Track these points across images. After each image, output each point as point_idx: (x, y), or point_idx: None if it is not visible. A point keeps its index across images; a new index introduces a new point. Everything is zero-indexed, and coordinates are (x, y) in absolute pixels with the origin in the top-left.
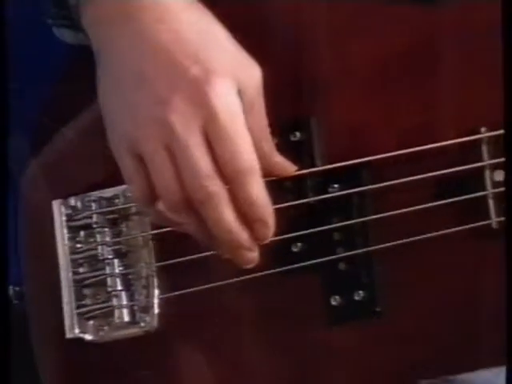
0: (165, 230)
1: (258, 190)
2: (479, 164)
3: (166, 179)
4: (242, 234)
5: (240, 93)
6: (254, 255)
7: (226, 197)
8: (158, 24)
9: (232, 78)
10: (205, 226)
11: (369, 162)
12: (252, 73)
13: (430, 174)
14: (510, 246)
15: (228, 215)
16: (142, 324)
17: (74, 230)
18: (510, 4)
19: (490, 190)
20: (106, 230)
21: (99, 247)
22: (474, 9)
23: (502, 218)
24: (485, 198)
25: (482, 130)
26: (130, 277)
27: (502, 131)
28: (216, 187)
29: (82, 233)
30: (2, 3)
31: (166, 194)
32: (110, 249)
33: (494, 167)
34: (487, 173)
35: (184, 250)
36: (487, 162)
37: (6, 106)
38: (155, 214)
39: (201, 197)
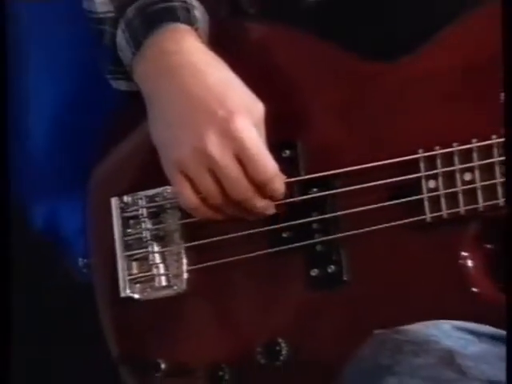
0: (189, 220)
1: (281, 188)
2: (417, 175)
3: (211, 191)
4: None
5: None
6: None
7: (256, 196)
8: (191, 78)
9: (247, 114)
10: (237, 213)
11: (339, 173)
12: (258, 108)
13: (383, 182)
14: (510, 246)
15: (260, 203)
16: (175, 287)
17: (125, 220)
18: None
19: (425, 194)
20: (149, 219)
21: (143, 232)
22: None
23: (435, 214)
24: (422, 200)
25: (420, 151)
26: (165, 253)
27: (434, 152)
28: (250, 193)
29: (131, 221)
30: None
31: (213, 200)
32: (151, 233)
33: (428, 178)
34: (423, 182)
35: (204, 234)
36: (423, 173)
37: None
38: (194, 210)
39: (241, 199)
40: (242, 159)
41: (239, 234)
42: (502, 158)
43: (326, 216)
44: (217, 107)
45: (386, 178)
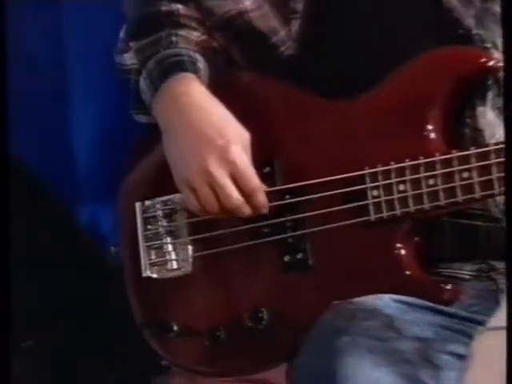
0: (194, 219)
1: (263, 198)
2: (363, 186)
3: (210, 201)
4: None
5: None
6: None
7: (244, 204)
8: (196, 114)
9: (238, 142)
10: (227, 215)
11: (306, 184)
12: (246, 136)
13: (338, 191)
14: (510, 248)
15: (246, 209)
16: (183, 269)
17: (146, 219)
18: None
19: (370, 201)
20: (163, 218)
21: (159, 228)
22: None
23: (377, 216)
24: (367, 205)
25: (366, 168)
26: (176, 244)
27: (376, 169)
28: (240, 201)
29: (150, 220)
30: (1, 4)
31: (211, 208)
32: (165, 229)
33: (372, 188)
34: (368, 191)
35: (205, 229)
36: (368, 185)
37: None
38: (199, 213)
39: (231, 208)
40: (235, 176)
41: (232, 229)
42: (430, 174)
43: (296, 216)
44: (216, 137)
45: (340, 188)
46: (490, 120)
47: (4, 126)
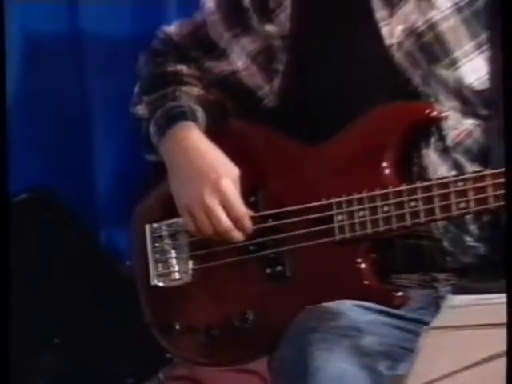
0: (192, 239)
1: (248, 222)
2: (330, 212)
3: (204, 225)
4: (238, 235)
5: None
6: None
7: (233, 227)
8: (194, 155)
9: (228, 176)
10: (219, 236)
11: (284, 211)
12: (235, 171)
13: (310, 216)
14: (510, 252)
15: (236, 234)
16: (184, 279)
17: (154, 238)
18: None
19: (335, 224)
20: (168, 238)
21: (165, 245)
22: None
23: (341, 236)
24: (333, 227)
25: (332, 197)
26: (178, 259)
27: (341, 199)
28: (228, 224)
29: (157, 239)
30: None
31: (205, 230)
32: (170, 246)
33: (337, 214)
34: (334, 216)
35: (202, 247)
36: (334, 211)
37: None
38: (196, 234)
39: (222, 230)
40: (225, 204)
41: (224, 247)
42: (384, 203)
43: (276, 236)
44: (210, 172)
45: (312, 214)
46: (432, 159)
47: (4, 166)
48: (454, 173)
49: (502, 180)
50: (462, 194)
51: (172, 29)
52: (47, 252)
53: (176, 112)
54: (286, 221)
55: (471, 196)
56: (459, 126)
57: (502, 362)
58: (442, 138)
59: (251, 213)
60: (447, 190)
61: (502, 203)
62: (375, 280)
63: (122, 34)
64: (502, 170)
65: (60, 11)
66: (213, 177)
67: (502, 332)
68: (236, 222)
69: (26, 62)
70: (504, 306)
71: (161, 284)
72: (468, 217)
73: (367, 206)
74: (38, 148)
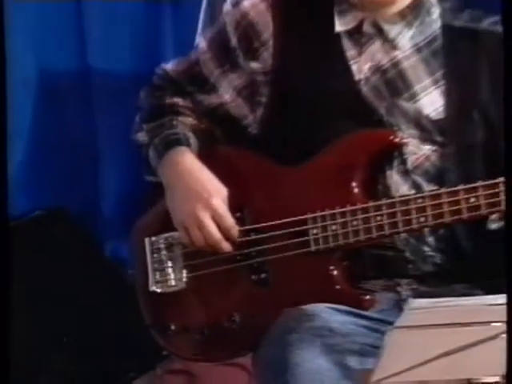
0: (186, 250)
1: (236, 234)
2: (306, 227)
3: (197, 237)
4: (227, 246)
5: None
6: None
7: (222, 239)
8: (188, 176)
9: (218, 195)
10: (210, 247)
11: (266, 225)
12: (223, 191)
13: (289, 230)
14: (510, 249)
15: (225, 245)
16: (178, 286)
17: (153, 250)
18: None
19: (311, 237)
20: (165, 249)
21: (162, 256)
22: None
23: (316, 247)
24: (309, 240)
25: (308, 213)
26: (174, 267)
27: (315, 214)
28: (218, 236)
29: (155, 251)
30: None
31: (198, 242)
32: (166, 257)
33: (312, 228)
34: (310, 230)
35: (195, 257)
36: (309, 226)
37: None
38: (190, 245)
39: (213, 242)
40: (215, 219)
41: (214, 258)
42: (353, 218)
43: (259, 248)
44: (202, 192)
45: (290, 228)
46: (395, 180)
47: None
48: (413, 191)
49: (457, 197)
50: (421, 209)
51: (169, 66)
52: (59, 261)
53: (172, 139)
54: (267, 234)
55: (429, 212)
56: (418, 151)
57: (457, 357)
58: (403, 162)
59: (238, 227)
60: (408, 207)
61: (456, 217)
62: (346, 285)
63: (126, 71)
64: (457, 188)
65: (70, 49)
66: (205, 195)
67: (456, 331)
68: (225, 234)
69: (39, 95)
70: (457, 308)
71: (158, 290)
72: (426, 230)
73: (339, 220)
74: (52, 171)
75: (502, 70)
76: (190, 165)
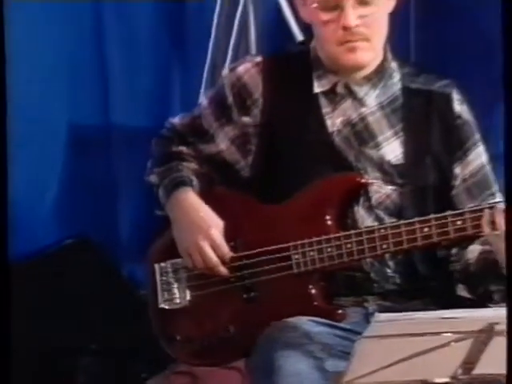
0: (190, 273)
1: (230, 259)
2: (289, 253)
3: (199, 262)
4: (223, 269)
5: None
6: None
7: (219, 264)
8: (190, 211)
9: (216, 227)
10: (209, 270)
11: (255, 253)
12: (220, 223)
13: (275, 256)
14: (510, 252)
15: (221, 268)
16: (183, 303)
17: (162, 273)
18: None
19: (293, 262)
20: (172, 273)
21: (170, 279)
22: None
23: (298, 270)
24: (292, 264)
25: (290, 242)
26: (179, 288)
27: (297, 243)
28: (216, 261)
29: (164, 274)
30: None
31: (199, 266)
32: (173, 279)
33: (294, 254)
34: (292, 256)
35: (197, 279)
36: (292, 252)
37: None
38: (193, 269)
39: (211, 266)
40: (213, 247)
41: (212, 279)
42: (328, 245)
43: (250, 271)
44: (202, 224)
45: (276, 254)
46: (361, 214)
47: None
48: (376, 223)
49: (413, 227)
50: (384, 238)
51: (176, 120)
52: (84, 282)
53: (178, 180)
54: (256, 259)
55: (390, 240)
56: (381, 190)
57: (414, 361)
58: (368, 199)
59: (232, 254)
60: (373, 236)
61: (412, 245)
62: (322, 301)
63: (140, 124)
64: (413, 220)
65: (95, 107)
66: (204, 227)
67: (414, 340)
68: (221, 259)
69: (69, 144)
70: (415, 321)
71: (166, 307)
72: (388, 255)
73: (316, 248)
74: (79, 207)
75: (450, 125)
76: (192, 202)
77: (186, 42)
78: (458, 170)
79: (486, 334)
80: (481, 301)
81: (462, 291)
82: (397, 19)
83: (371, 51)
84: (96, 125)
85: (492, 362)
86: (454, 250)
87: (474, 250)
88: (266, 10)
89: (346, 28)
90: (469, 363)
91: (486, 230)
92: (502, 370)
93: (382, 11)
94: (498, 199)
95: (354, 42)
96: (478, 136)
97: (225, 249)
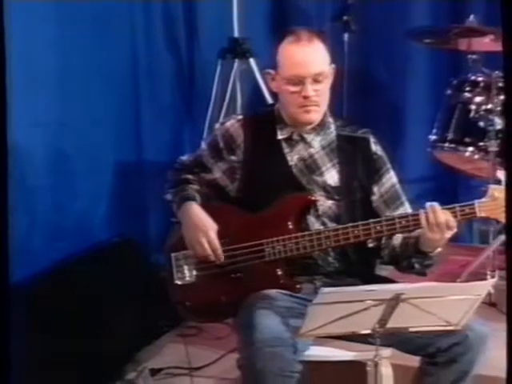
0: (195, 260)
1: (221, 250)
2: (263, 247)
3: (199, 253)
4: (216, 258)
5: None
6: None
7: (213, 254)
8: (194, 218)
9: (212, 229)
10: (206, 258)
11: (238, 247)
12: (215, 226)
13: (254, 249)
14: (510, 249)
15: (215, 258)
16: (191, 280)
17: (176, 259)
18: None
19: (266, 253)
20: (183, 260)
21: (181, 263)
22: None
23: (270, 258)
24: (264, 255)
25: (263, 239)
26: (188, 269)
27: (270, 239)
28: (210, 252)
29: (177, 261)
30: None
31: (199, 255)
32: (183, 263)
33: (267, 248)
34: (265, 249)
35: (200, 264)
36: (265, 246)
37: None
38: (196, 257)
39: (208, 255)
40: (210, 243)
41: (210, 264)
42: (289, 242)
43: (236, 259)
44: (202, 227)
45: (254, 248)
46: (312, 221)
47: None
48: (322, 227)
49: (347, 230)
50: (327, 237)
51: (184, 157)
52: (127, 267)
53: (185, 197)
54: (240, 251)
55: (332, 238)
56: (325, 204)
57: (347, 319)
58: (316, 210)
59: (222, 247)
60: (321, 235)
61: (347, 241)
62: (286, 279)
63: (162, 160)
64: (346, 225)
65: (130, 147)
66: (204, 229)
67: (348, 305)
68: (214, 251)
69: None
70: (348, 293)
71: (179, 282)
72: (330, 248)
73: (281, 243)
74: (123, 216)
75: (369, 159)
76: (195, 212)
77: (194, 105)
78: (375, 189)
79: (394, 301)
80: (405, 271)
81: (379, 271)
82: (335, 91)
83: (318, 112)
84: (133, 160)
85: (398, 320)
86: (383, 240)
87: (397, 238)
88: (248, 83)
89: (305, 97)
90: (383, 320)
91: (424, 224)
92: (404, 324)
93: (326, 86)
94: (406, 206)
95: (309, 107)
96: (389, 165)
97: (217, 244)
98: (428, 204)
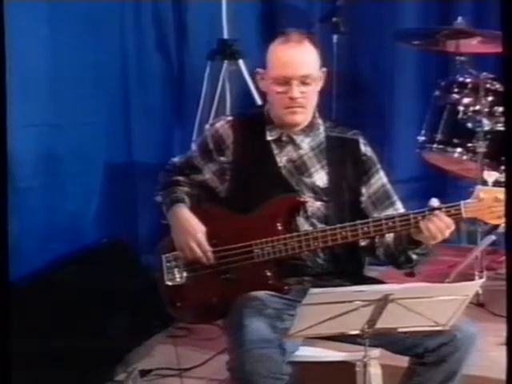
0: (184, 261)
1: (211, 254)
2: (251, 248)
3: (188, 254)
4: (205, 259)
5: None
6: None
7: (203, 256)
8: (182, 221)
9: (200, 231)
10: (196, 259)
11: (227, 248)
12: (203, 228)
13: (243, 250)
14: (510, 249)
15: (204, 259)
16: (181, 281)
17: (166, 261)
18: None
19: (254, 254)
20: (173, 261)
21: (171, 264)
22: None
23: (259, 260)
24: (253, 256)
25: (252, 240)
26: (178, 271)
27: (258, 241)
28: (200, 254)
29: (168, 262)
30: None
31: (189, 257)
32: (173, 265)
33: (256, 249)
34: (254, 250)
35: (189, 265)
36: (254, 247)
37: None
38: (186, 258)
39: (197, 257)
40: (199, 245)
41: (200, 265)
42: (278, 243)
43: (226, 260)
44: (190, 229)
45: (243, 249)
46: (301, 222)
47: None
48: (311, 228)
49: (335, 231)
50: (316, 238)
51: (176, 159)
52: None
53: (175, 199)
54: (230, 252)
55: (320, 239)
56: (313, 205)
57: (336, 320)
58: (305, 211)
59: (212, 249)
60: (309, 236)
61: (335, 242)
62: (275, 280)
63: (152, 162)
64: (335, 226)
65: (120, 149)
66: (192, 232)
67: (336, 305)
68: (204, 254)
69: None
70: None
71: (170, 283)
72: (318, 249)
73: (270, 245)
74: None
75: (358, 160)
76: (185, 214)
77: (184, 107)
78: (364, 190)
79: (383, 301)
80: (404, 266)
81: (368, 272)
82: (324, 92)
83: (305, 114)
84: (123, 162)
85: (387, 321)
86: (376, 239)
87: (390, 235)
88: (237, 84)
89: (291, 98)
90: (372, 321)
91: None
92: (393, 325)
93: (315, 89)
94: (397, 205)
95: (295, 108)
96: (378, 166)
97: (206, 246)
98: (430, 207)
